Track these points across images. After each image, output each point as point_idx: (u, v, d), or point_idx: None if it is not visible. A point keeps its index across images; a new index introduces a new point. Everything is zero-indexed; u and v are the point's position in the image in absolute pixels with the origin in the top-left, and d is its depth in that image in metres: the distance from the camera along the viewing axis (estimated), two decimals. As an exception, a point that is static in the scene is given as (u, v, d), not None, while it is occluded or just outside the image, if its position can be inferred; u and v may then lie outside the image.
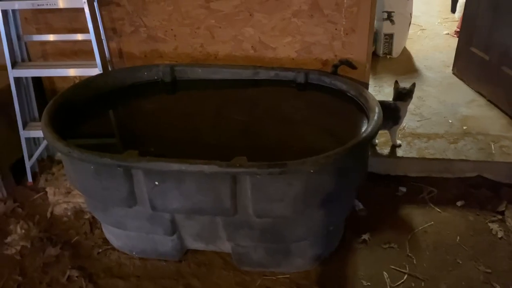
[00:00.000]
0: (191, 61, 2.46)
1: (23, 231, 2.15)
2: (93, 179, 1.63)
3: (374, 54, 3.66)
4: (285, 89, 2.16)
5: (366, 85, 2.37)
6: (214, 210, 1.61)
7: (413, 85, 2.36)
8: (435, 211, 2.22)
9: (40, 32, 2.48)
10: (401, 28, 3.62)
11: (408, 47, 3.85)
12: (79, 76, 2.46)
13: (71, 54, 2.55)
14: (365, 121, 1.81)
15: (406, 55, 3.75)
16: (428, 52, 3.77)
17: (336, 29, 2.26)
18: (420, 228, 2.11)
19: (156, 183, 1.56)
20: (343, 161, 1.54)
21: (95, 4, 2.29)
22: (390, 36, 3.63)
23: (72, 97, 1.96)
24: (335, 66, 2.17)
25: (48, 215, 2.26)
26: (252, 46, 2.38)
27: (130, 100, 2.13)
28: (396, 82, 2.39)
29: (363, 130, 1.69)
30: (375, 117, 1.69)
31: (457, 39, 3.44)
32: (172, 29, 2.41)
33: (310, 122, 1.96)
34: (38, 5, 2.16)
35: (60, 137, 1.63)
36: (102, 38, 2.34)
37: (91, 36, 2.20)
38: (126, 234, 1.86)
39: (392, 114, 2.33)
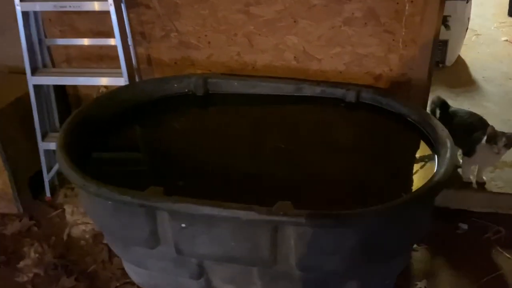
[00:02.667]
0: (226, 71, 2.21)
1: (37, 255, 1.97)
2: (111, 216, 1.41)
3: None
4: (332, 108, 1.89)
5: (425, 105, 2.07)
6: (249, 259, 1.36)
7: None
8: (504, 256, 1.90)
9: (64, 34, 2.28)
10: (457, 34, 3.27)
11: (463, 55, 3.49)
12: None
13: (97, 59, 2.34)
14: (432, 157, 1.51)
15: (461, 64, 3.39)
16: (485, 61, 3.40)
17: (393, 40, 1.96)
18: (486, 277, 1.80)
19: (183, 225, 1.33)
20: (410, 212, 1.26)
21: (123, 6, 2.06)
22: (444, 43, 3.27)
23: (93, 113, 1.74)
24: None
25: (65, 237, 2.07)
26: (294, 57, 2.11)
27: (158, 117, 1.90)
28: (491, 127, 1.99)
29: (432, 170, 1.39)
30: (448, 155, 1.39)
31: (519, 47, 3.08)
32: (206, 35, 2.16)
33: (362, 152, 1.68)
34: (60, 7, 1.95)
35: (75, 165, 1.41)
36: (129, 44, 2.12)
37: (117, 42, 1.98)
38: (147, 272, 1.64)
39: (468, 134, 1.99)
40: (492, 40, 3.80)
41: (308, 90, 1.94)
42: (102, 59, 2.33)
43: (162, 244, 1.43)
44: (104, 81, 2.08)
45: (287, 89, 1.95)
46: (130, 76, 2.06)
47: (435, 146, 1.52)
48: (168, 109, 1.93)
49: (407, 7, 1.89)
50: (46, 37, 2.29)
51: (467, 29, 3.35)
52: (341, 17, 1.97)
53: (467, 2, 3.16)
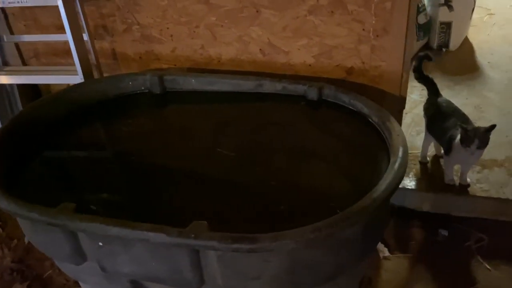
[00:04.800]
0: (191, 65, 2.08)
1: (-5, 259, 1.94)
2: (32, 231, 1.33)
3: (427, 47, 3.07)
4: (293, 106, 1.73)
5: (403, 101, 1.88)
6: (173, 280, 1.25)
7: (490, 128, 1.68)
8: (484, 267, 1.72)
9: (29, 28, 2.21)
10: (461, 15, 3.00)
11: (470, 37, 3.20)
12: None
13: (63, 54, 2.25)
14: (386, 164, 1.35)
15: (467, 47, 3.11)
16: (495, 44, 3.10)
17: (363, 29, 1.78)
18: (462, 292, 1.64)
19: (100, 243, 1.23)
20: (343, 232, 1.11)
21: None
22: (447, 25, 3.01)
23: (35, 116, 1.65)
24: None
25: (26, 240, 2.03)
26: (260, 49, 1.95)
27: (107, 120, 1.79)
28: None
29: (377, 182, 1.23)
30: (396, 166, 1.23)
31: (533, 29, 2.79)
32: (168, 28, 2.03)
33: (318, 156, 1.53)
34: (9, 2, 1.87)
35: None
36: (85, 39, 2.01)
37: (68, 38, 1.88)
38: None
39: (445, 130, 1.82)
40: (506, 20, 3.46)
41: (269, 87, 1.79)
42: (68, 53, 2.23)
43: (89, 260, 1.35)
44: (59, 79, 2.00)
45: (247, 86, 1.81)
46: (87, 74, 1.97)
47: (389, 152, 1.35)
48: (119, 110, 1.82)
49: (376, -7, 1.70)
50: (12, 33, 2.23)
51: (473, 10, 3.06)
52: (306, 6, 1.80)
53: (471, -20, 2.88)
